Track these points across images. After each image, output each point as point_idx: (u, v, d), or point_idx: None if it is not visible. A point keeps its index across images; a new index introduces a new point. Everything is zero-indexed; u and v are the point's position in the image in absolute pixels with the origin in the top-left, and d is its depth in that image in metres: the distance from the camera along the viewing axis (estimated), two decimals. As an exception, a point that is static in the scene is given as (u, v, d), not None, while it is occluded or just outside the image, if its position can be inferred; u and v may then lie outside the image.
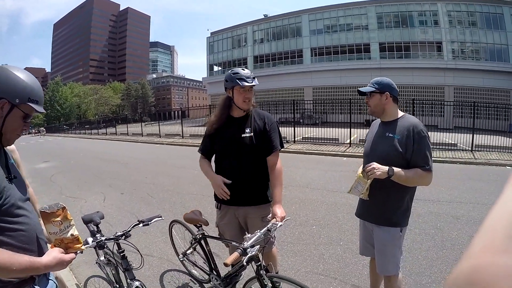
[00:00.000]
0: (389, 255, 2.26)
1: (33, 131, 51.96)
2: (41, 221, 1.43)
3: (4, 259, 1.11)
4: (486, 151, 12.03)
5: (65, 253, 1.36)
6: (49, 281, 1.47)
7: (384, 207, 2.25)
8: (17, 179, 1.34)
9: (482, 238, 0.33)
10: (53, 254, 1.31)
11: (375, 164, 2.11)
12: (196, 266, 2.98)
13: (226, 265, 1.79)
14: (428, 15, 33.74)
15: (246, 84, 2.31)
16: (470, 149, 12.21)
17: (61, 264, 1.31)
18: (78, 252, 1.44)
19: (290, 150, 13.26)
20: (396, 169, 2.08)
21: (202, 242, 2.67)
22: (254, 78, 2.36)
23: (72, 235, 1.42)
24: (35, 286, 1.33)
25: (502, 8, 31.68)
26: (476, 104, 13.27)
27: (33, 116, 1.44)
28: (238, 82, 2.31)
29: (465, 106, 19.61)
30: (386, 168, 2.08)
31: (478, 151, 12.06)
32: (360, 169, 2.28)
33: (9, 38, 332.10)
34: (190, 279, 3.21)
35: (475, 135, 12.31)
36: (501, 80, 30.17)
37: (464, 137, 12.96)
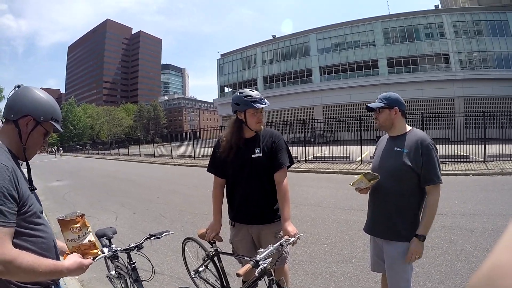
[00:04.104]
0: (400, 271, 2.23)
1: (49, 149, 53.13)
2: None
3: (32, 261, 1.20)
4: (499, 160, 11.81)
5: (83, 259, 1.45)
6: None
7: (392, 221, 2.25)
8: (35, 192, 1.45)
9: (505, 240, 0.34)
10: (73, 258, 1.40)
11: (413, 251, 2.16)
12: (208, 283, 2.98)
13: (238, 275, 1.81)
14: (433, 28, 33.83)
15: (261, 106, 2.35)
16: (482, 160, 12.03)
17: (81, 268, 1.40)
18: (95, 258, 1.52)
19: (302, 169, 13.21)
20: (420, 229, 2.16)
21: (215, 258, 2.68)
22: (263, 98, 2.41)
23: (89, 241, 1.50)
24: None
25: (506, 14, 31.64)
26: (486, 113, 13.14)
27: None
28: (253, 105, 2.33)
29: (475, 116, 19.37)
30: (419, 244, 2.15)
31: (491, 161, 11.86)
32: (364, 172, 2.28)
33: (25, 60, 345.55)
34: (202, 297, 3.22)
35: (487, 145, 12.14)
36: (511, 88, 29.74)
37: (476, 148, 12.74)
